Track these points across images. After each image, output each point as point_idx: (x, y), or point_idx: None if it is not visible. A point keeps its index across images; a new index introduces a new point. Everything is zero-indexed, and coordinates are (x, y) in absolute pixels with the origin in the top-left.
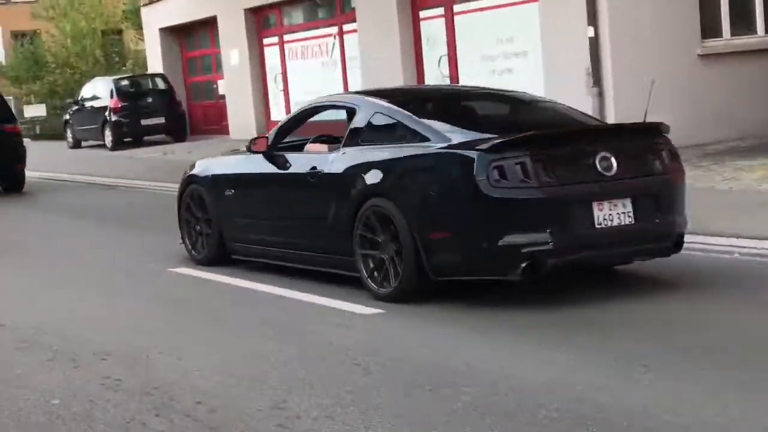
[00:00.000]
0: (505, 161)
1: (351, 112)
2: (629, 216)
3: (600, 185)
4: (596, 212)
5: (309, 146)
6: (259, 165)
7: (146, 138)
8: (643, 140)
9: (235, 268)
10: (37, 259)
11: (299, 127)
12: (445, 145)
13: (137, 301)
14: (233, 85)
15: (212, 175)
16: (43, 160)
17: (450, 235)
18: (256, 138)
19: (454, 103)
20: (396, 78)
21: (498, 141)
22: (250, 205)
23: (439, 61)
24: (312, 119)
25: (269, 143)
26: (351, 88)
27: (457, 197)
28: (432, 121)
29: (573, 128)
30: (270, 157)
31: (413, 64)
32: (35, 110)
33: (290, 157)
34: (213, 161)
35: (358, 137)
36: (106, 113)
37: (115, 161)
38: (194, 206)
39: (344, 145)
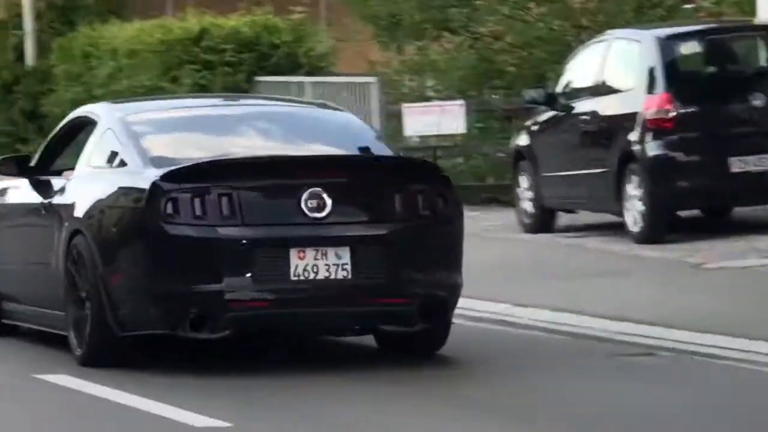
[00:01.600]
0: (181, 193)
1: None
2: (344, 269)
3: (304, 228)
4: (294, 261)
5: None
6: (23, 193)
7: (740, 211)
8: (385, 177)
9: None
10: None
11: (68, 146)
12: (138, 171)
13: None
14: None
15: None
16: None
17: (124, 278)
18: (9, 157)
19: (213, 121)
20: None
21: (175, 168)
22: (12, 246)
23: None
24: None
25: (35, 163)
26: None
27: (131, 234)
28: (151, 142)
29: (278, 156)
30: (34, 182)
31: None
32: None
33: (54, 182)
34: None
35: (89, 158)
36: (633, 134)
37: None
38: None
39: (78, 168)
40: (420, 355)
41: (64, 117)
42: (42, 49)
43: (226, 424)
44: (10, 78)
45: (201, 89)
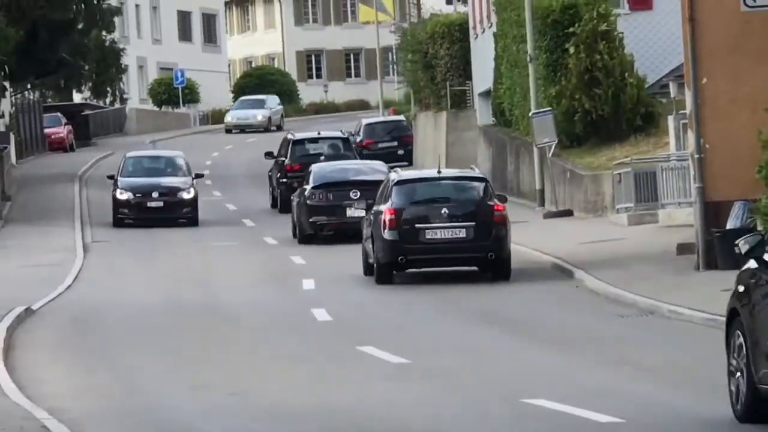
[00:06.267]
0: (315, 191)
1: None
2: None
3: (349, 202)
4: (348, 211)
5: None
6: None
7: None
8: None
9: None
10: None
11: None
12: (307, 187)
13: None
14: None
15: None
16: None
17: (298, 217)
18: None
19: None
20: None
21: (312, 185)
22: None
23: None
24: None
25: None
26: None
27: (302, 203)
28: (315, 178)
29: (341, 180)
30: None
31: None
32: None
33: None
34: None
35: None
36: None
37: None
38: None
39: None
40: None
41: None
42: None
43: (622, 420)
44: None
45: None
